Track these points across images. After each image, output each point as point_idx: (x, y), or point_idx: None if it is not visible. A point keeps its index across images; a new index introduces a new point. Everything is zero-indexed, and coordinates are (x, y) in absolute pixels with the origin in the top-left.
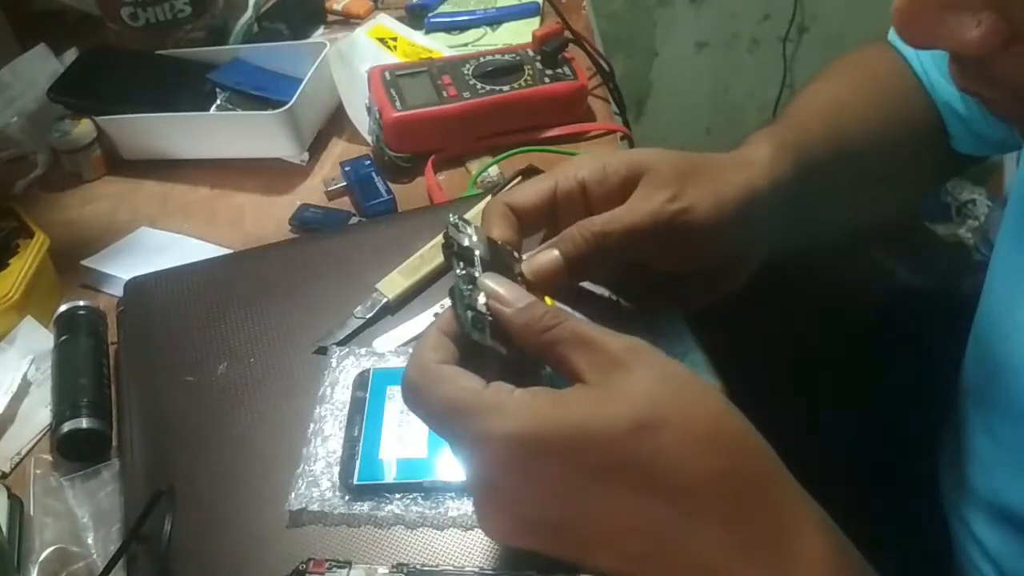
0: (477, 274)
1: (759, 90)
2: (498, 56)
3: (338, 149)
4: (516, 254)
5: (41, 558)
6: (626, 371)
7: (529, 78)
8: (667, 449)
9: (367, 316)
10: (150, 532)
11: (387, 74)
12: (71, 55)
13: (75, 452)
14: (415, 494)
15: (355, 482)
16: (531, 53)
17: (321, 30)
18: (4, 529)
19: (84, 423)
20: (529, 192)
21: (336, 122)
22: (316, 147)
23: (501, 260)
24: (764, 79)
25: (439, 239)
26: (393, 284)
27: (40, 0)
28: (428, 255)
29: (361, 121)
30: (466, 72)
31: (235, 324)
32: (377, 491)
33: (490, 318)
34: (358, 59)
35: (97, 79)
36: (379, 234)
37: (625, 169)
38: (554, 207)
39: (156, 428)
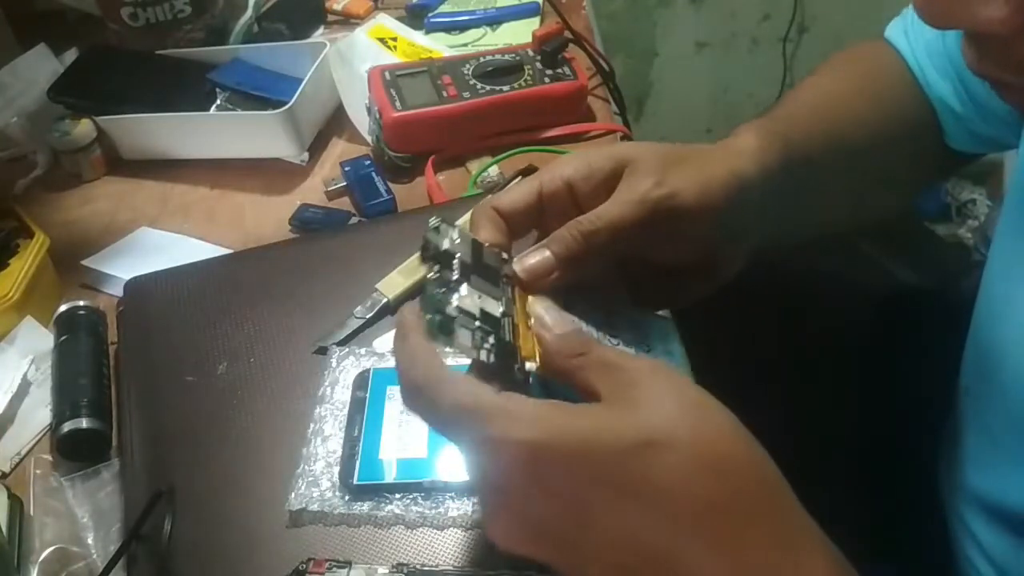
0: (453, 277)
1: (759, 90)
2: (498, 56)
3: (338, 149)
4: (505, 256)
5: (41, 558)
6: (642, 390)
7: (529, 78)
8: (672, 469)
9: (367, 316)
10: (150, 532)
11: (387, 74)
12: (71, 55)
13: (75, 452)
14: (415, 494)
15: (355, 482)
16: (531, 53)
17: (321, 30)
18: (4, 529)
19: (84, 423)
20: (515, 195)
21: (336, 122)
22: (316, 147)
23: (485, 263)
24: (764, 79)
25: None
26: (393, 284)
27: (40, 0)
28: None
29: (361, 121)
30: (466, 72)
31: (235, 324)
32: (377, 491)
33: (457, 317)
34: (358, 59)
35: (97, 79)
36: (379, 234)
37: (610, 164)
38: (541, 208)
39: (156, 428)
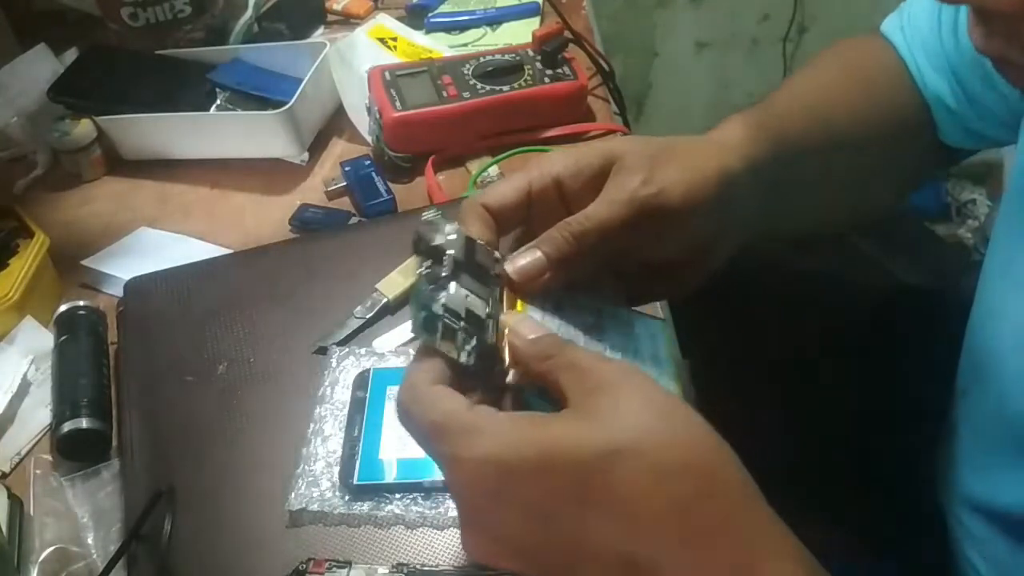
0: (444, 274)
1: (759, 90)
2: (498, 56)
3: (338, 149)
4: (497, 255)
5: (41, 558)
6: (609, 396)
7: (529, 78)
8: (634, 476)
9: (367, 316)
10: (150, 532)
11: (387, 74)
12: (71, 55)
13: (75, 452)
14: (415, 494)
15: (355, 482)
16: (531, 53)
17: (321, 30)
18: (4, 529)
19: (84, 423)
20: (504, 191)
21: (336, 122)
22: (316, 147)
23: (478, 261)
24: (764, 79)
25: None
26: (393, 284)
27: (40, 0)
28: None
29: (361, 121)
30: (466, 72)
31: (235, 324)
32: (377, 491)
33: (442, 316)
34: (358, 59)
35: (97, 79)
36: (379, 234)
37: (598, 160)
38: (530, 204)
39: (156, 428)
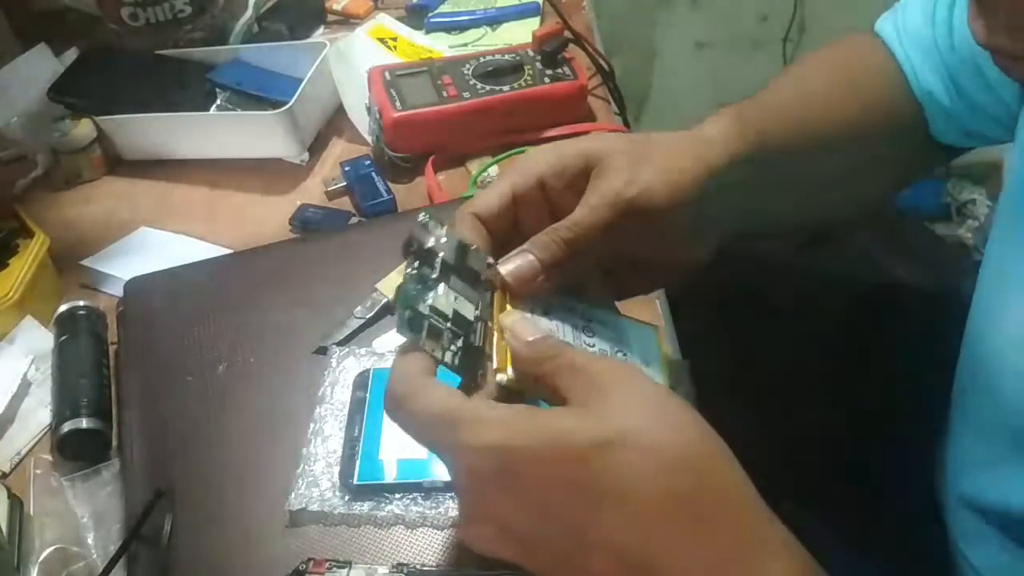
0: (433, 275)
1: (759, 90)
2: (498, 56)
3: (338, 149)
4: (489, 261)
5: (41, 558)
6: (606, 392)
7: (529, 78)
8: (633, 468)
9: (367, 316)
10: (150, 532)
11: (387, 74)
12: (71, 55)
13: (75, 452)
14: (415, 494)
15: (355, 482)
16: (531, 53)
17: (321, 30)
18: (4, 529)
19: (84, 423)
20: (490, 198)
21: (336, 122)
22: (316, 147)
23: (469, 265)
24: (764, 79)
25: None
26: (393, 284)
27: (40, 0)
28: None
29: (361, 121)
30: (466, 72)
31: (235, 324)
32: (377, 491)
33: (428, 316)
34: (358, 59)
35: (97, 79)
36: (379, 234)
37: (580, 159)
38: (516, 207)
39: (156, 428)
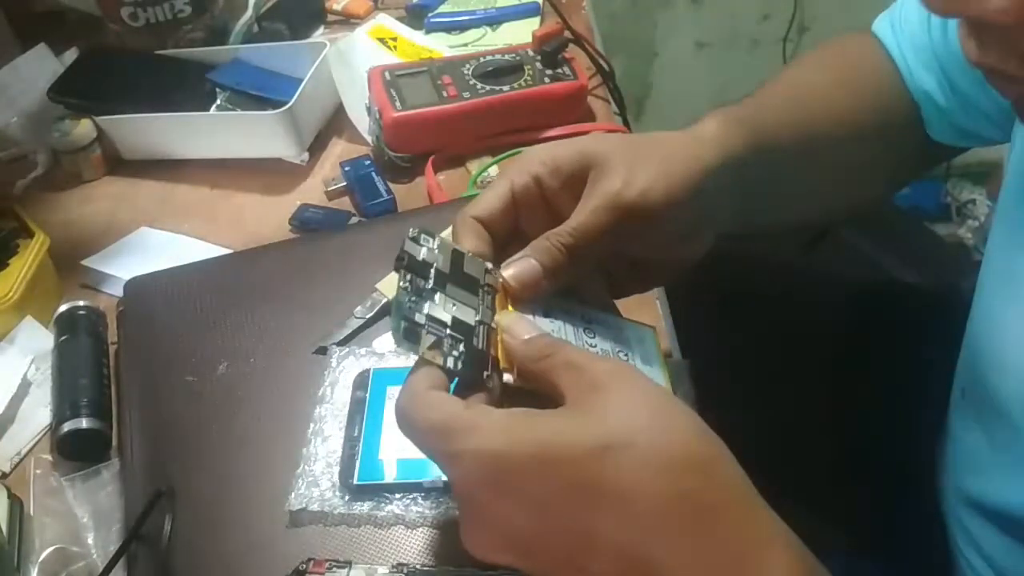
0: (428, 286)
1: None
2: (498, 56)
3: (338, 149)
4: (488, 266)
5: (41, 558)
6: (604, 393)
7: (529, 78)
8: (630, 469)
9: (367, 316)
10: (150, 532)
11: (387, 74)
12: (71, 55)
13: (75, 452)
14: (415, 494)
15: (355, 482)
16: (531, 53)
17: (321, 30)
18: (4, 529)
19: (84, 423)
20: (491, 199)
21: (336, 122)
22: (316, 147)
23: (465, 272)
24: (764, 79)
25: (446, 233)
26: (393, 284)
27: (40, 0)
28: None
29: (361, 121)
30: (466, 72)
31: (235, 324)
32: (377, 491)
33: (425, 325)
34: (358, 59)
35: (97, 79)
36: (379, 234)
37: (576, 160)
38: (516, 207)
39: (156, 428)
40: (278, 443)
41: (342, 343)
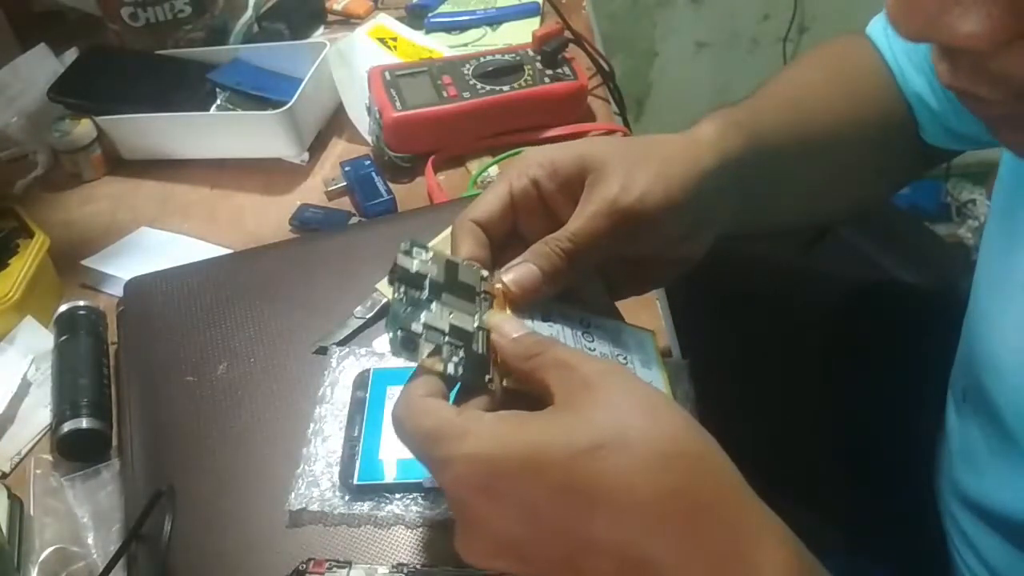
0: (424, 297)
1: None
2: (498, 56)
3: (338, 149)
4: (484, 274)
5: (41, 558)
6: (593, 393)
7: (529, 78)
8: (620, 469)
9: (367, 316)
10: (150, 532)
11: (387, 74)
12: (71, 55)
13: (75, 452)
14: (415, 494)
15: (355, 482)
16: (531, 53)
17: (321, 30)
18: (4, 529)
19: (84, 423)
20: (490, 201)
21: (336, 122)
22: (316, 147)
23: (460, 281)
24: (764, 79)
25: (444, 235)
26: None
27: (40, 0)
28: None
29: (361, 121)
30: (466, 72)
31: (235, 324)
32: (377, 491)
33: (422, 333)
34: (358, 59)
35: (97, 79)
36: (379, 234)
37: (573, 164)
38: (515, 209)
39: (156, 428)
40: (278, 443)
41: (342, 343)
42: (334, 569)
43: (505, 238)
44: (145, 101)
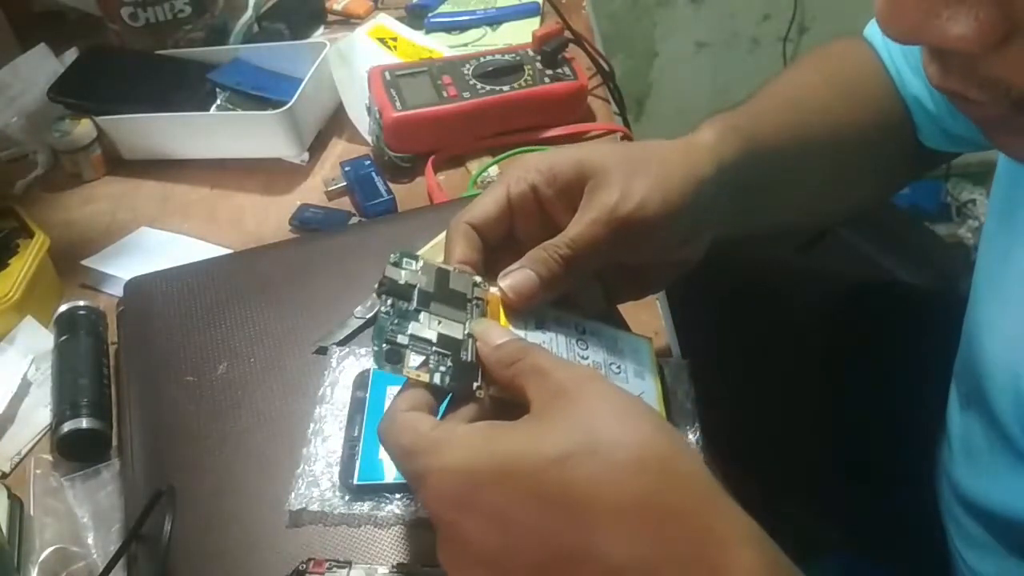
0: (412, 308)
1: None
2: (498, 56)
3: (338, 149)
4: (476, 280)
5: (41, 558)
6: (568, 400)
7: (529, 78)
8: (592, 475)
9: (367, 316)
10: (150, 532)
11: (387, 74)
12: (71, 55)
13: (75, 452)
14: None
15: (355, 482)
16: (531, 53)
17: (321, 30)
18: (4, 529)
19: (84, 423)
20: (486, 206)
21: (336, 122)
22: (316, 147)
23: (451, 289)
24: (764, 79)
25: (439, 239)
26: None
27: (40, 0)
28: (428, 256)
29: (361, 121)
30: (466, 72)
31: (235, 324)
32: (377, 491)
33: (408, 345)
34: (358, 59)
35: (97, 79)
36: (379, 234)
37: (572, 171)
38: (512, 213)
39: (156, 428)
40: (278, 443)
41: (342, 343)
42: (334, 569)
43: (500, 242)
44: (145, 101)
